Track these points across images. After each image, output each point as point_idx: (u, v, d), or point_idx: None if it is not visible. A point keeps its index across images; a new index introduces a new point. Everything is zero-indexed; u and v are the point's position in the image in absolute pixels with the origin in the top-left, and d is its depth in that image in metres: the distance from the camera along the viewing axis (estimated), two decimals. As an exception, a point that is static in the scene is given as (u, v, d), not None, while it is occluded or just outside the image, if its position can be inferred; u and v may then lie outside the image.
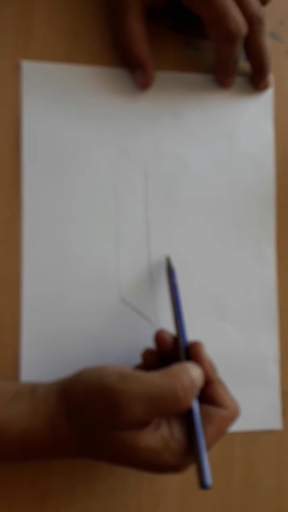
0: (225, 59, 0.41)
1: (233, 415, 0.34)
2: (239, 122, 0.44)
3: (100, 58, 0.41)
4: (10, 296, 0.39)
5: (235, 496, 0.41)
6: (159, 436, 0.32)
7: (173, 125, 0.42)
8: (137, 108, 0.42)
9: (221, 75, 0.42)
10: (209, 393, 0.34)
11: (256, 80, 0.43)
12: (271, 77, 0.44)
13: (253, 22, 0.39)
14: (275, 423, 0.42)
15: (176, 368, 0.32)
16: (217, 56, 0.41)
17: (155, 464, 0.32)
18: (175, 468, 0.32)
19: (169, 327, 0.39)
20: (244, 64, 0.43)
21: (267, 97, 0.44)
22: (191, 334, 0.39)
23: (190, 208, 0.42)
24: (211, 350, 0.39)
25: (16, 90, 0.40)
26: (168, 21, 0.43)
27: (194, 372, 0.32)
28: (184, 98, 0.43)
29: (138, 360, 0.39)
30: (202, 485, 0.31)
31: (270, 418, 0.42)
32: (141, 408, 0.30)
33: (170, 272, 0.39)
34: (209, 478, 0.31)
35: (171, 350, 0.36)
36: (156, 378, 0.31)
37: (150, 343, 0.40)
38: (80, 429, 0.32)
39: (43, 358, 0.38)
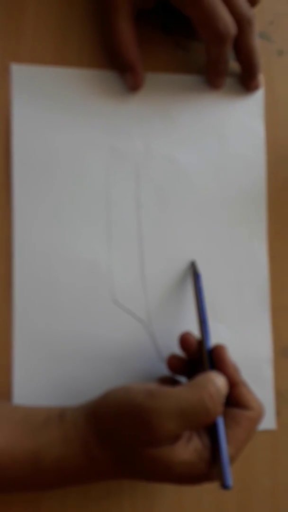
0: (215, 60, 0.41)
1: (259, 416, 0.35)
2: (230, 122, 0.43)
3: (90, 60, 0.41)
4: (1, 298, 0.39)
5: (231, 496, 0.41)
6: (192, 448, 0.32)
7: (164, 126, 0.42)
8: (128, 110, 0.42)
9: (211, 76, 0.42)
10: (234, 396, 0.35)
11: (246, 81, 0.43)
12: (261, 78, 0.44)
13: (243, 23, 0.39)
14: (270, 423, 0.42)
15: (201, 379, 0.33)
16: (207, 57, 0.41)
17: (192, 476, 0.32)
18: (211, 477, 0.33)
19: (161, 329, 0.39)
20: (234, 65, 0.43)
21: (257, 98, 0.44)
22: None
23: (182, 209, 0.42)
24: (205, 351, 0.40)
25: (5, 93, 0.40)
26: (157, 22, 0.43)
27: (219, 381, 0.33)
28: (174, 99, 0.43)
29: (130, 361, 0.39)
30: (223, 485, 0.32)
31: (264, 418, 0.42)
32: (173, 423, 0.31)
33: (196, 276, 0.39)
34: (230, 479, 0.32)
35: (196, 353, 0.37)
36: (183, 392, 0.32)
37: (142, 345, 0.40)
38: (114, 450, 0.32)
39: (36, 360, 0.38)
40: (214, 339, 0.41)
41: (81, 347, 0.39)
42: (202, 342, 0.37)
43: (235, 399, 0.35)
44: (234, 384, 0.35)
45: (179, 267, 0.41)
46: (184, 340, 0.37)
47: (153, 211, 0.42)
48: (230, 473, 0.32)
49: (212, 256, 0.42)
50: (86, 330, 0.39)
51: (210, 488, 0.40)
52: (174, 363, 0.38)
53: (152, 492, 0.40)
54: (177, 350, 0.39)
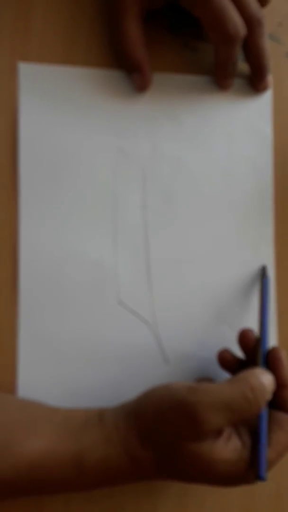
0: (223, 61, 0.41)
1: None
2: (237, 124, 0.43)
3: (98, 60, 0.41)
4: (7, 299, 0.38)
5: (234, 500, 0.41)
6: (232, 447, 0.32)
7: (171, 127, 0.42)
8: (135, 110, 0.42)
9: (219, 77, 0.42)
10: (283, 398, 0.35)
11: (255, 82, 0.43)
12: (270, 79, 0.43)
13: (252, 24, 0.39)
14: (274, 427, 0.42)
15: (242, 374, 0.33)
16: (215, 58, 0.41)
17: (230, 476, 0.32)
18: (249, 479, 0.33)
19: (167, 331, 0.39)
20: (243, 66, 0.43)
21: (266, 99, 0.44)
22: (189, 336, 0.39)
23: (188, 210, 0.42)
24: (209, 353, 0.40)
25: (12, 91, 0.40)
26: (166, 23, 0.43)
27: (264, 378, 0.33)
28: (182, 100, 0.42)
29: (135, 362, 0.39)
30: (258, 476, 0.32)
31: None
32: (218, 416, 0.31)
33: (264, 280, 0.40)
34: (264, 471, 0.32)
35: (252, 350, 0.37)
36: (224, 386, 0.32)
37: (147, 346, 0.39)
38: (156, 449, 0.32)
39: (40, 361, 0.38)
40: (218, 341, 0.41)
41: (85, 348, 0.39)
42: (259, 340, 0.37)
43: (283, 402, 0.35)
44: (285, 386, 0.35)
45: (185, 268, 0.41)
46: (244, 335, 0.37)
47: (159, 212, 0.41)
48: (265, 465, 0.32)
49: (218, 257, 0.42)
50: (91, 331, 0.39)
51: (213, 490, 0.40)
52: (225, 357, 0.38)
53: (155, 494, 0.39)
54: (182, 351, 0.39)
